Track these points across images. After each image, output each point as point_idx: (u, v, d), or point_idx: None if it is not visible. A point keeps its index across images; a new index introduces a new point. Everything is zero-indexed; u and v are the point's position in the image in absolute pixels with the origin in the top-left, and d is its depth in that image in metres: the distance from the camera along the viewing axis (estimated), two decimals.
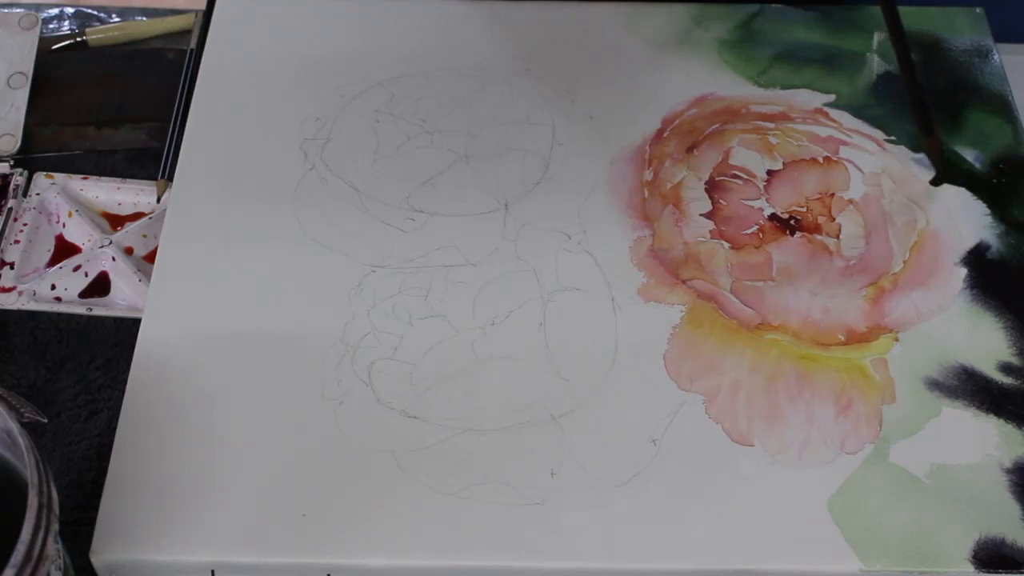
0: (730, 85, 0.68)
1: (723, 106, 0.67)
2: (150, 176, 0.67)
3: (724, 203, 0.63)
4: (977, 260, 0.61)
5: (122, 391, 0.54)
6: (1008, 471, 0.53)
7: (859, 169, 0.64)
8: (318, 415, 0.54)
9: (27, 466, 0.42)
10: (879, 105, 0.67)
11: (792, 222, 0.62)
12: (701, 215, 0.62)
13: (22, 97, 0.68)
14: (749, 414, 0.54)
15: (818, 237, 0.61)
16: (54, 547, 0.43)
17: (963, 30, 0.71)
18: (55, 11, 0.77)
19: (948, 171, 0.64)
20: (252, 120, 0.65)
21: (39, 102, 0.69)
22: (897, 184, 0.64)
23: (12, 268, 0.63)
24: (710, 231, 0.61)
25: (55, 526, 0.42)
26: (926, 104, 0.64)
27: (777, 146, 0.65)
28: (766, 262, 0.60)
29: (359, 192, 0.62)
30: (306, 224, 0.61)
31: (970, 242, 0.62)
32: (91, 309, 0.62)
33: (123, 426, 0.53)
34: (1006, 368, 0.57)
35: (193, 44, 0.70)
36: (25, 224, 0.64)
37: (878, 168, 0.64)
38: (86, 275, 0.63)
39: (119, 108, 0.69)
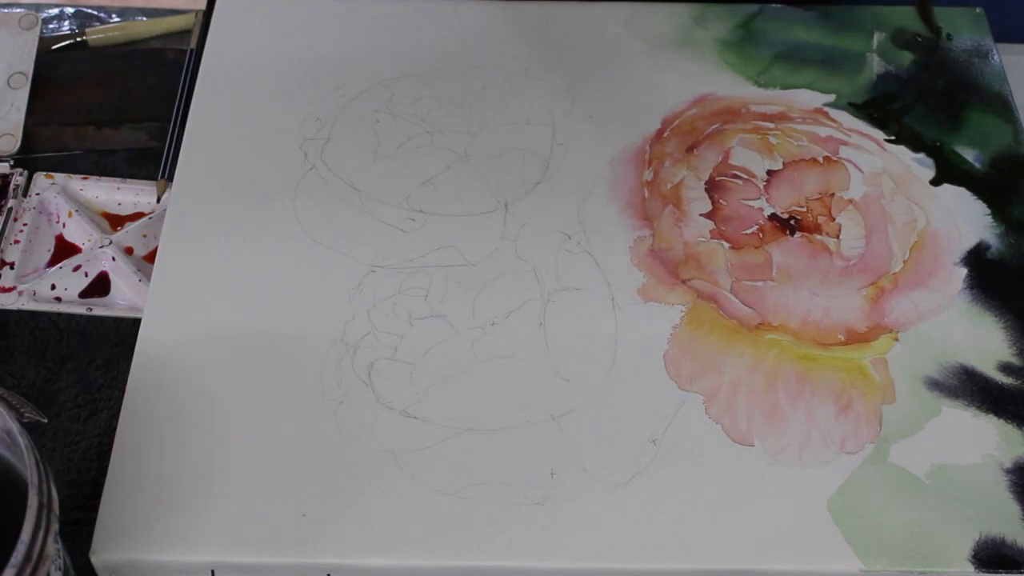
0: (730, 85, 0.68)
1: (723, 106, 0.67)
2: (150, 176, 0.67)
3: (724, 203, 0.63)
4: (977, 260, 0.61)
5: (122, 391, 0.54)
6: (1008, 471, 0.53)
7: (859, 169, 0.64)
8: (318, 415, 0.54)
9: (27, 466, 0.42)
10: (880, 105, 0.67)
11: (792, 222, 0.62)
12: (701, 215, 0.62)
13: (22, 97, 0.68)
14: (749, 414, 0.54)
15: (818, 237, 0.61)
16: (54, 547, 0.43)
17: (963, 30, 0.71)
18: (55, 11, 0.77)
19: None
20: (252, 120, 0.65)
21: (39, 102, 0.69)
22: (897, 184, 0.64)
23: (12, 268, 0.63)
24: (710, 231, 0.61)
25: (55, 526, 0.42)
26: None
27: (777, 146, 0.65)
28: (766, 262, 0.60)
29: (359, 192, 0.62)
30: (306, 224, 0.61)
31: (970, 242, 0.62)
32: (91, 309, 0.62)
33: (123, 426, 0.53)
34: (1006, 368, 0.57)
35: (193, 44, 0.70)
36: (25, 224, 0.64)
37: (878, 168, 0.64)
38: (86, 275, 0.63)
39: (119, 108, 0.69)
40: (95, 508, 0.51)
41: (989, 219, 0.62)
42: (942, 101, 0.68)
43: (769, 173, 0.64)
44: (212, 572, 0.50)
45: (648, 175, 0.64)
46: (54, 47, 0.74)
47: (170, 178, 0.63)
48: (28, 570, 0.41)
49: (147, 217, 0.65)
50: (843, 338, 0.57)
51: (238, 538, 0.50)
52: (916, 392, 0.56)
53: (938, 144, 0.66)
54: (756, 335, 0.57)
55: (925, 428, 0.54)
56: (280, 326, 0.57)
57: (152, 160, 0.67)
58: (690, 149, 0.65)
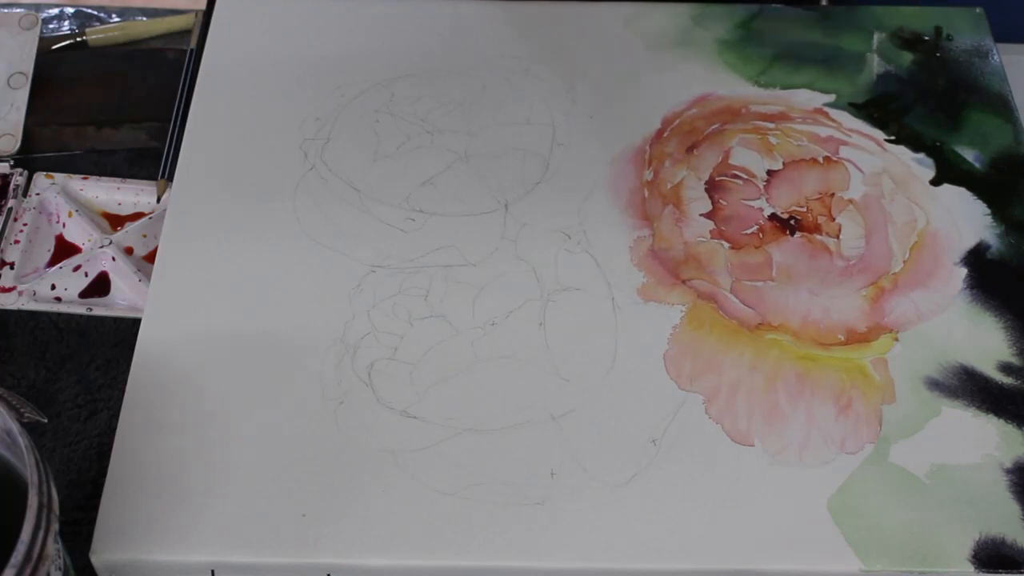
0: (730, 85, 0.68)
1: (723, 106, 0.67)
2: (150, 176, 0.67)
3: (724, 203, 0.63)
4: (977, 260, 0.61)
5: (122, 391, 0.54)
6: (1008, 471, 0.53)
7: (859, 169, 0.64)
8: (318, 415, 0.54)
9: (27, 466, 0.42)
10: (880, 105, 0.67)
11: (792, 222, 0.62)
12: (701, 215, 0.62)
13: (22, 97, 0.68)
14: (749, 414, 0.54)
15: (818, 237, 0.61)
16: (54, 547, 0.43)
17: (963, 30, 0.71)
18: (55, 11, 0.77)
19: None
20: (252, 120, 0.65)
21: (39, 102, 0.69)
22: (897, 184, 0.64)
23: (12, 268, 0.63)
24: (710, 231, 0.61)
25: (55, 526, 0.42)
26: None
27: (777, 146, 0.65)
28: (766, 262, 0.60)
29: (359, 192, 0.62)
30: (306, 224, 0.61)
31: (970, 242, 0.62)
32: (91, 309, 0.62)
33: (123, 426, 0.53)
34: (1006, 368, 0.57)
35: (193, 44, 0.70)
36: (25, 224, 0.64)
37: (878, 168, 0.64)
38: (86, 275, 0.63)
39: (119, 108, 0.69)
40: (95, 508, 0.51)
41: (989, 219, 0.62)
42: (942, 101, 0.68)
43: (769, 173, 0.64)
44: (212, 572, 0.50)
45: (648, 175, 0.64)
46: (54, 47, 0.74)
47: (170, 178, 0.63)
48: (28, 570, 0.41)
49: (147, 217, 0.65)
50: (843, 338, 0.57)
51: (238, 538, 0.50)
52: (916, 392, 0.56)
53: (938, 144, 0.66)
54: (756, 335, 0.57)
55: (925, 428, 0.54)
56: (280, 326, 0.57)
57: (152, 160, 0.67)
58: (690, 149, 0.65)
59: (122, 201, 0.67)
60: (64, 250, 0.64)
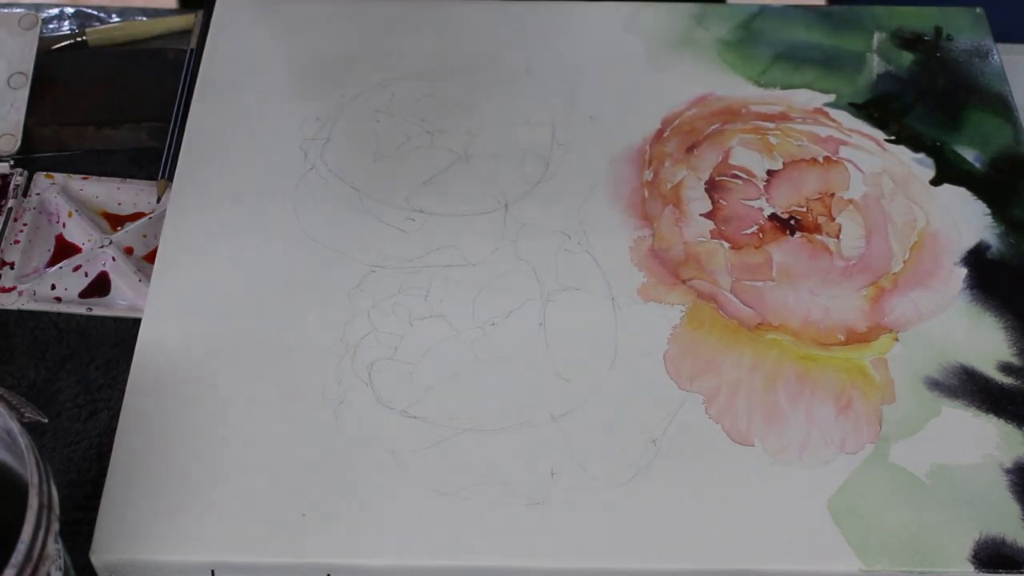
0: (730, 85, 0.68)
1: (723, 106, 0.67)
2: (150, 176, 0.67)
3: (724, 203, 0.63)
4: (977, 260, 0.61)
5: (122, 391, 0.54)
6: (1008, 471, 0.53)
7: (859, 169, 0.64)
8: (318, 415, 0.54)
9: (27, 466, 0.42)
10: (880, 105, 0.67)
11: (792, 222, 0.62)
12: (701, 215, 0.62)
13: (22, 97, 0.68)
14: (749, 414, 0.54)
15: (818, 237, 0.61)
16: (54, 547, 0.43)
17: (963, 30, 0.71)
18: (55, 11, 0.77)
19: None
20: (252, 120, 0.65)
21: (39, 102, 0.68)
22: (897, 184, 0.64)
23: (12, 268, 0.63)
24: (710, 231, 0.61)
25: (55, 526, 0.42)
26: None
27: (777, 146, 0.65)
28: (766, 262, 0.60)
29: (359, 192, 0.62)
30: (306, 224, 0.61)
31: (970, 242, 0.62)
32: (91, 309, 0.61)
33: (123, 426, 0.53)
34: (1006, 368, 0.57)
35: (193, 44, 0.70)
36: (25, 224, 0.64)
37: (878, 168, 0.64)
38: (86, 275, 0.63)
39: (119, 108, 0.69)
40: (95, 508, 0.51)
41: (989, 219, 0.62)
42: (942, 101, 0.68)
43: (769, 173, 0.64)
44: (212, 572, 0.50)
45: (648, 175, 0.64)
46: (54, 47, 0.74)
47: (170, 178, 0.63)
48: (28, 570, 0.41)
49: (147, 217, 0.65)
50: (843, 338, 0.57)
51: (238, 538, 0.50)
52: (916, 392, 0.56)
53: (938, 144, 0.66)
54: (756, 335, 0.57)
55: (925, 428, 0.54)
56: (280, 326, 0.57)
57: (152, 160, 0.67)
58: (690, 149, 0.65)
59: (122, 201, 0.67)
60: (64, 250, 0.64)
